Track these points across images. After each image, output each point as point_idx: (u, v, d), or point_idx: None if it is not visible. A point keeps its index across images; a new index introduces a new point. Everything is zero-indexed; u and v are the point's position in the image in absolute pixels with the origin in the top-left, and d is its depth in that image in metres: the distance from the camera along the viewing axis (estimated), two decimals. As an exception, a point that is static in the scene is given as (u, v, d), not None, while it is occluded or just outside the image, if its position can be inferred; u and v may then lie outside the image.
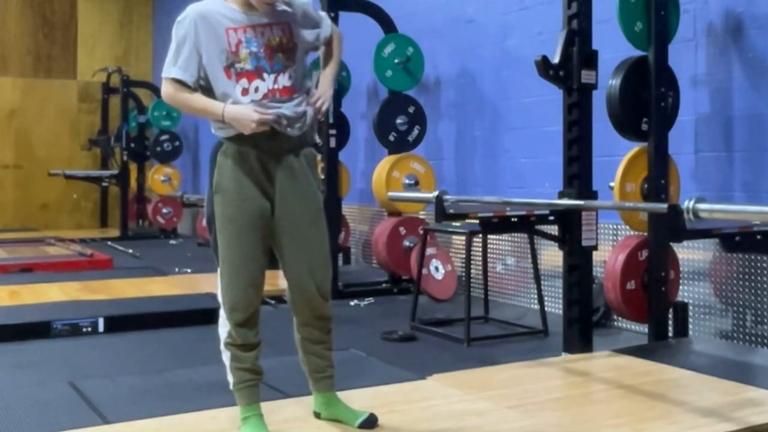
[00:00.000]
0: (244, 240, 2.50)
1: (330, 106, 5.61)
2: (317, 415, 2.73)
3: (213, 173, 2.54)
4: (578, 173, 3.79)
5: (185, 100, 2.51)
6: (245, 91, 2.49)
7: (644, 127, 3.94)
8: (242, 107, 2.45)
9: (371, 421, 2.65)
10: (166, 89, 2.51)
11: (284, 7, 2.58)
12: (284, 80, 2.52)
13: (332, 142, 5.85)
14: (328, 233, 2.70)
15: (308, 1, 2.67)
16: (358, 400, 2.89)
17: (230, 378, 2.58)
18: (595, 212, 3.84)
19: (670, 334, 4.00)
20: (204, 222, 2.60)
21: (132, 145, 10.26)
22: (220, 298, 2.57)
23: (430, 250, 5.21)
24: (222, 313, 2.57)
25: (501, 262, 5.44)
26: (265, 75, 2.50)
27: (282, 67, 2.52)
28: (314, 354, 2.68)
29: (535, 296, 4.59)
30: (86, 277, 6.16)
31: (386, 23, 6.17)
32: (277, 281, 5.48)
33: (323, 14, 2.73)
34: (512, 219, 3.82)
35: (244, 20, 2.49)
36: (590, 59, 3.78)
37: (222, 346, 2.59)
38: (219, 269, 2.55)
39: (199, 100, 2.51)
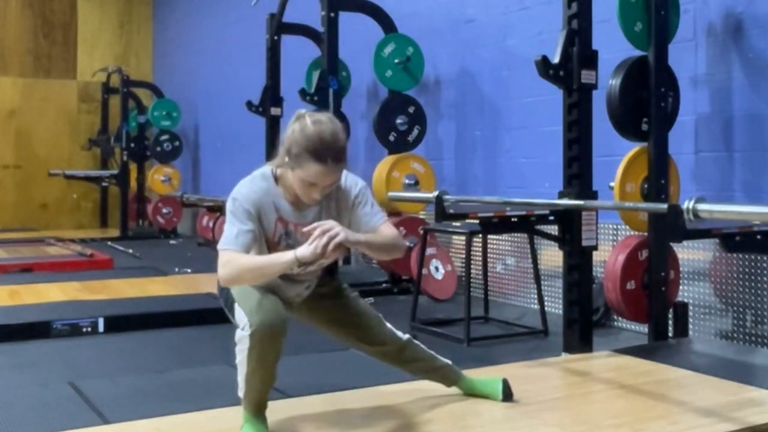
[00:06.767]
0: (262, 289, 2.51)
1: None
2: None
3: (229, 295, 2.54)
4: (578, 173, 3.79)
5: (249, 260, 2.38)
6: None
7: (644, 127, 3.94)
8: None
9: (508, 391, 2.84)
10: (229, 258, 2.36)
11: (336, 203, 2.58)
12: (312, 267, 2.53)
13: (332, 142, 5.85)
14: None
15: (366, 200, 2.63)
16: (358, 400, 2.91)
17: (242, 387, 2.48)
18: (595, 212, 3.84)
19: (670, 334, 4.00)
20: (221, 301, 2.59)
21: (132, 145, 10.28)
22: (245, 327, 2.41)
23: (430, 250, 5.21)
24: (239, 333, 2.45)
25: (501, 262, 5.44)
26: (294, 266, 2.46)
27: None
28: (416, 371, 2.85)
29: (535, 296, 4.59)
30: (86, 277, 6.16)
31: (386, 23, 6.17)
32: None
33: (377, 217, 2.61)
34: (512, 219, 3.82)
35: (292, 217, 2.52)
36: (590, 59, 3.78)
37: (242, 356, 2.44)
38: (242, 324, 2.42)
39: (264, 257, 2.44)
